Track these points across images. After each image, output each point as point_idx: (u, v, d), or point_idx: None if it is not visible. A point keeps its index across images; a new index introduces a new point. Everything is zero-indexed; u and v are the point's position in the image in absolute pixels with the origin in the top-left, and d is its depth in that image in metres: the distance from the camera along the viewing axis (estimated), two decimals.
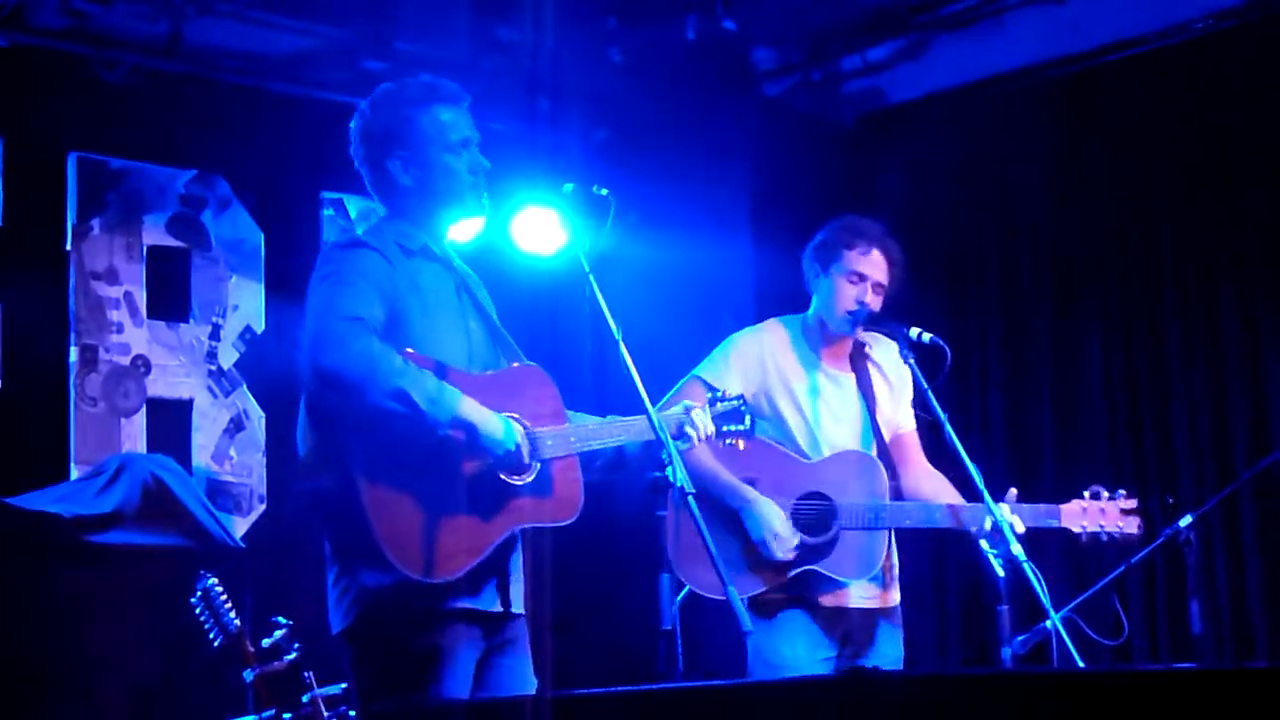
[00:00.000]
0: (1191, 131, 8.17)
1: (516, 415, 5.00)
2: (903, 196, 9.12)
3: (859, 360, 6.53)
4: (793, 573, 6.16)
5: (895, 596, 6.43)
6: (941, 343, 6.17)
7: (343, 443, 4.83)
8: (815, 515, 6.23)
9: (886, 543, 6.26)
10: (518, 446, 4.90)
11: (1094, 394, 8.39)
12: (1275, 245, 7.87)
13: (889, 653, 6.38)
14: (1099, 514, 6.26)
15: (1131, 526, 6.31)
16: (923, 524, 6.26)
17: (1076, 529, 6.25)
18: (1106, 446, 8.30)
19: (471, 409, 4.86)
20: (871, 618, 6.36)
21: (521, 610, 5.15)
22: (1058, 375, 8.54)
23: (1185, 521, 6.41)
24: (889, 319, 6.34)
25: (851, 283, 6.39)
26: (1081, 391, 8.44)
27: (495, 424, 4.89)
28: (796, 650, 6.15)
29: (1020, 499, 6.22)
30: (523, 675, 5.13)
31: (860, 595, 6.30)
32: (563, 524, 5.09)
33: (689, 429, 5.35)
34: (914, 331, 6.19)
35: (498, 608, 5.04)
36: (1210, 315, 8.05)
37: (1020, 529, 6.03)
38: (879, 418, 6.46)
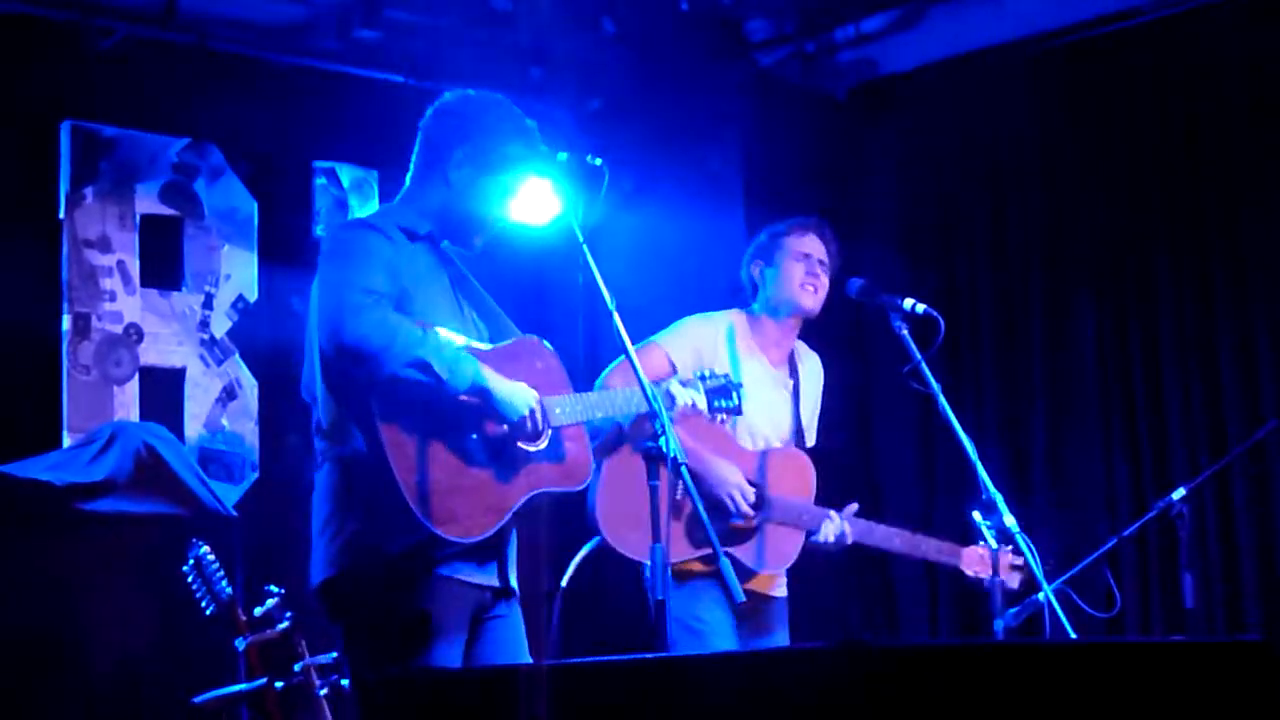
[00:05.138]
0: (1188, 103, 8.16)
1: (524, 384, 5.04)
2: (895, 168, 9.13)
3: (792, 366, 6.63)
4: (708, 551, 6.16)
5: (784, 588, 6.56)
6: (935, 313, 6.16)
7: (364, 408, 4.87)
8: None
9: (802, 543, 6.36)
10: (531, 412, 4.96)
11: (1087, 365, 8.38)
12: (1269, 216, 7.86)
13: (782, 638, 6.51)
14: (991, 564, 6.27)
15: (1013, 581, 6.37)
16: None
17: (970, 573, 6.32)
18: (1099, 419, 8.31)
19: (488, 375, 4.92)
20: (770, 602, 6.48)
21: (516, 587, 5.17)
22: (1050, 347, 8.53)
23: (1178, 494, 6.44)
24: (881, 291, 6.33)
25: (798, 260, 6.52)
26: (1074, 363, 8.43)
27: (509, 390, 4.95)
28: (715, 614, 6.21)
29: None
30: (514, 649, 5.13)
31: (765, 580, 6.41)
32: (575, 490, 5.17)
33: (679, 398, 5.44)
34: (908, 302, 6.16)
35: (496, 582, 5.07)
36: (1204, 287, 8.05)
37: (849, 541, 6.38)
38: (801, 425, 6.63)
